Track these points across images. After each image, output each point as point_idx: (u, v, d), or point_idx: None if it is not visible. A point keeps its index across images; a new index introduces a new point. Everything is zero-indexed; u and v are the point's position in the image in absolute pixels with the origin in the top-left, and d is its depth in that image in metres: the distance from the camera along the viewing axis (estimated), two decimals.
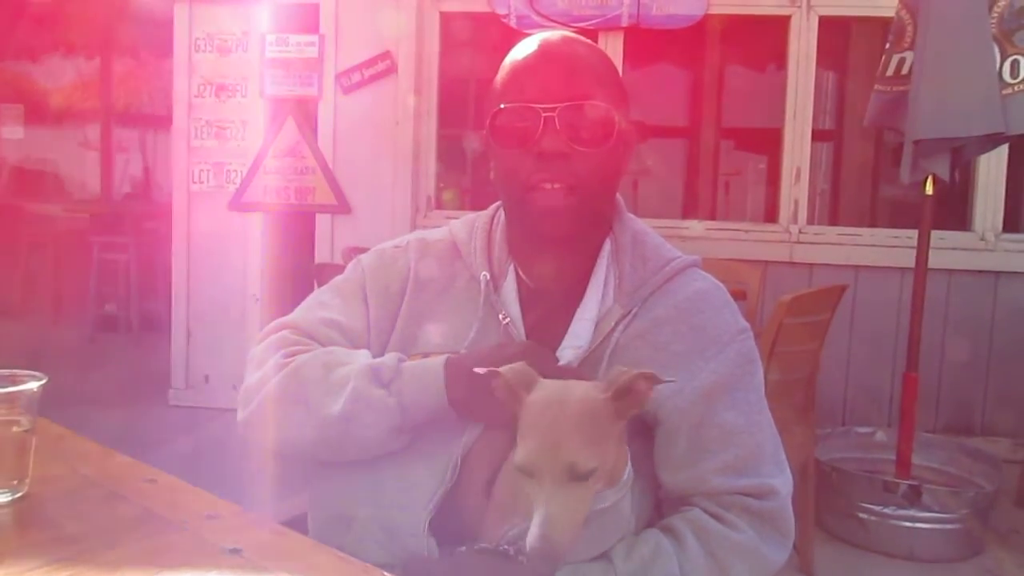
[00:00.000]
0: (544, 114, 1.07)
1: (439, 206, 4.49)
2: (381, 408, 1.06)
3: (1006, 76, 2.84)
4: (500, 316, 1.14)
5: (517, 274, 1.17)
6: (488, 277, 1.16)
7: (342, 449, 1.10)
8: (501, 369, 0.96)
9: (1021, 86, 2.83)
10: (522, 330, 1.13)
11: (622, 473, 0.98)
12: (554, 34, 1.16)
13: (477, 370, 0.98)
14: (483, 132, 1.14)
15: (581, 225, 1.12)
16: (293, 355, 1.14)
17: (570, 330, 1.12)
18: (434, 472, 1.07)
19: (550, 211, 1.10)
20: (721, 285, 1.20)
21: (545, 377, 0.98)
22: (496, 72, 1.16)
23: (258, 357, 1.17)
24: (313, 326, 1.19)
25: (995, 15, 2.86)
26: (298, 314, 1.23)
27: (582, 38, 1.17)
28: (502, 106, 1.10)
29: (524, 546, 0.95)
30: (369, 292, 1.20)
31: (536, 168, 1.08)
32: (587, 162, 1.09)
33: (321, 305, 1.22)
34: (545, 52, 1.12)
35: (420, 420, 1.07)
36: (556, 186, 1.08)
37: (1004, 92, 2.83)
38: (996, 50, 2.84)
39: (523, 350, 1.08)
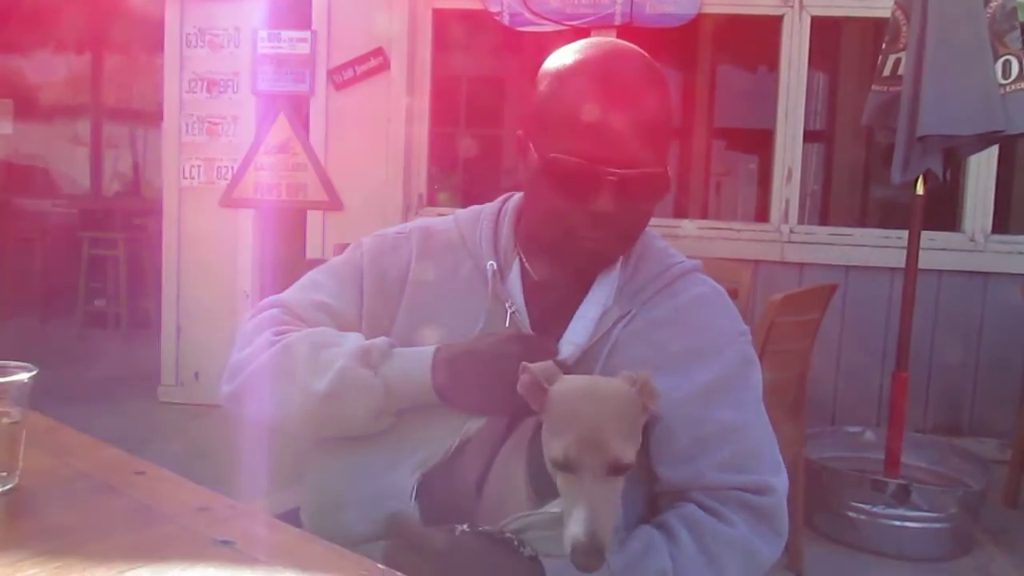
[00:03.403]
0: (608, 177, 1.02)
1: (431, 203, 4.48)
2: (366, 388, 1.05)
3: (998, 76, 2.84)
4: (507, 305, 1.13)
5: (522, 267, 1.17)
6: (495, 267, 1.15)
7: (324, 426, 1.10)
8: (529, 365, 0.95)
9: (1013, 86, 2.83)
10: (527, 321, 1.13)
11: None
12: (621, 59, 1.07)
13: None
14: (526, 153, 1.10)
15: (615, 261, 1.13)
16: (283, 334, 1.14)
17: (571, 326, 1.12)
18: (430, 444, 1.06)
19: (592, 257, 1.11)
20: (722, 289, 1.20)
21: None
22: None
23: (248, 334, 1.17)
24: (304, 308, 1.19)
25: (987, 16, 2.86)
26: (291, 294, 1.23)
27: (645, 56, 1.08)
28: (560, 155, 1.03)
29: (526, 539, 0.95)
30: (366, 278, 1.19)
31: (586, 223, 1.05)
32: (638, 218, 1.10)
33: (315, 286, 1.22)
34: (615, 98, 1.02)
35: (404, 403, 1.07)
36: (602, 237, 1.07)
37: (997, 92, 2.83)
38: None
39: (523, 340, 1.08)
